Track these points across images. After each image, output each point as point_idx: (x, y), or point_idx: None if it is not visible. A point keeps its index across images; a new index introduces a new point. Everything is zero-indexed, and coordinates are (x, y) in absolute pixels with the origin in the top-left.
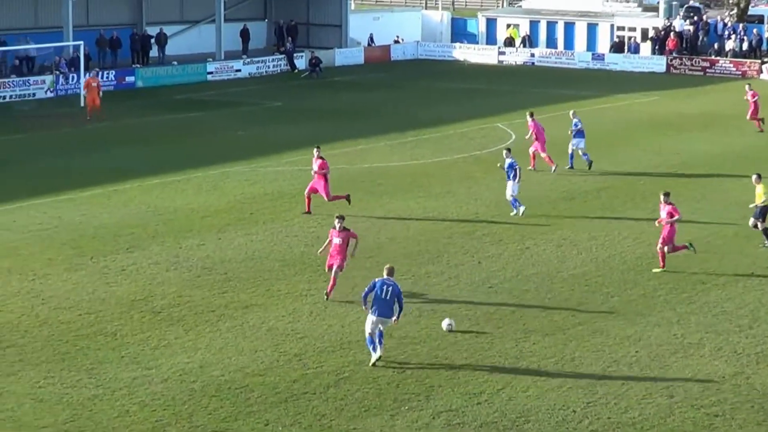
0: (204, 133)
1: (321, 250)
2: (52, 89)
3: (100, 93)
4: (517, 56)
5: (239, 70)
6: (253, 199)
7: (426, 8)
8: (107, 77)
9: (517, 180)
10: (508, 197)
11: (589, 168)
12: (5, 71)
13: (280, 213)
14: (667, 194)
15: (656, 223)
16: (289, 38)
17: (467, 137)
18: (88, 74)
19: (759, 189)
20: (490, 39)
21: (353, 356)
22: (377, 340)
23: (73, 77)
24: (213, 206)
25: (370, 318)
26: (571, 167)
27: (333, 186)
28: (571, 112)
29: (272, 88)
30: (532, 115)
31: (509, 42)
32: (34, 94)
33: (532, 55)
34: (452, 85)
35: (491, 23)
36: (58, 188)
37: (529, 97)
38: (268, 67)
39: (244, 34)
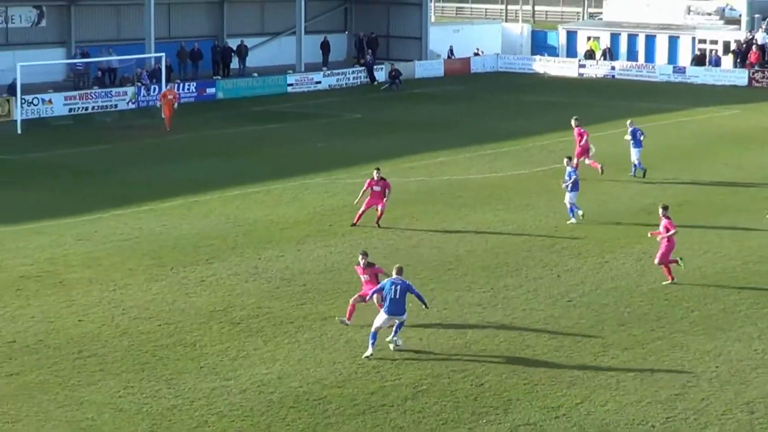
0: (284, 145)
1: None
2: (133, 101)
3: (175, 105)
4: (597, 69)
5: (319, 82)
6: (332, 210)
7: (506, 21)
8: (188, 89)
9: (572, 188)
10: (567, 204)
11: (644, 176)
12: (88, 83)
13: (359, 225)
14: (665, 208)
15: (648, 234)
16: (369, 50)
17: (547, 150)
18: (165, 86)
19: None
20: (571, 51)
21: (431, 369)
22: (395, 330)
23: (154, 89)
24: (292, 218)
25: (382, 315)
26: (643, 175)
27: (410, 199)
28: (628, 122)
29: (352, 100)
30: (577, 120)
31: (590, 55)
32: (116, 106)
33: (613, 67)
34: (532, 97)
35: (571, 36)
36: (139, 199)
37: (610, 110)
38: (348, 79)
39: (325, 46)
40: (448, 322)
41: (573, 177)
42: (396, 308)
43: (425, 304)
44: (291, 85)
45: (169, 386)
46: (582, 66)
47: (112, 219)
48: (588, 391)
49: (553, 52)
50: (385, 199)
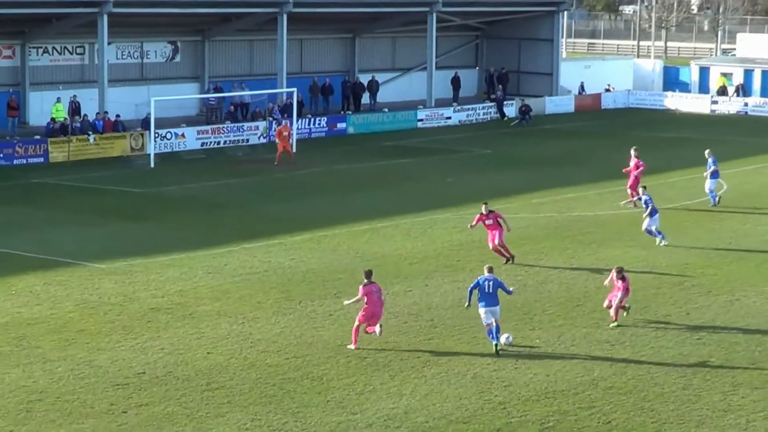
0: (413, 180)
1: (349, 302)
2: (265, 135)
3: (290, 140)
4: (730, 105)
5: (449, 118)
6: (460, 246)
7: (638, 56)
8: (319, 123)
9: (651, 213)
10: (643, 229)
11: (716, 204)
12: (220, 117)
13: (486, 260)
14: (620, 270)
15: (605, 283)
16: (500, 86)
17: (677, 187)
18: (282, 122)
19: None
20: (703, 88)
21: (558, 406)
22: (494, 333)
23: (285, 123)
24: (421, 253)
25: (481, 310)
26: (715, 204)
27: (539, 235)
28: (706, 152)
29: (482, 135)
30: (637, 150)
31: (722, 91)
32: (247, 140)
33: (746, 104)
34: (663, 134)
35: (704, 72)
36: (268, 233)
37: (742, 147)
38: (478, 115)
39: (455, 82)
40: (575, 359)
41: (651, 204)
42: (490, 300)
43: (510, 293)
44: (421, 120)
45: (295, 419)
46: (714, 102)
47: (242, 252)
48: (717, 431)
49: (685, 88)
50: (502, 228)
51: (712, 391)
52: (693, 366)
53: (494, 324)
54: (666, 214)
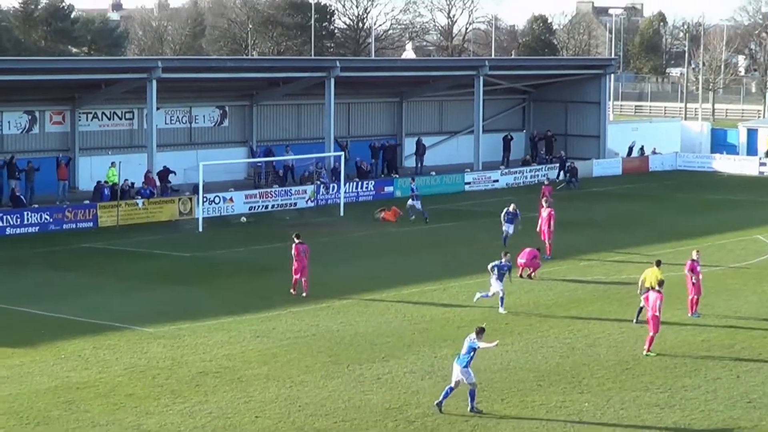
0: (460, 243)
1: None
2: (312, 199)
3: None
4: None
5: (497, 181)
6: (508, 309)
7: (685, 119)
8: (366, 187)
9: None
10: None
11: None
12: (268, 181)
13: (535, 324)
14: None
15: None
16: (543, 149)
17: (725, 249)
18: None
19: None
20: (751, 150)
21: None
22: None
23: (333, 187)
24: (468, 316)
25: None
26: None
27: (587, 298)
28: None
29: (529, 198)
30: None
31: None
32: (295, 204)
33: None
34: (711, 196)
35: (752, 134)
36: (316, 296)
37: None
38: (526, 178)
39: (507, 145)
40: (625, 423)
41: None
42: None
43: None
44: (468, 183)
45: None
46: (762, 164)
47: (290, 316)
48: None
49: (732, 150)
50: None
51: None
52: (743, 429)
53: None
54: (714, 276)
